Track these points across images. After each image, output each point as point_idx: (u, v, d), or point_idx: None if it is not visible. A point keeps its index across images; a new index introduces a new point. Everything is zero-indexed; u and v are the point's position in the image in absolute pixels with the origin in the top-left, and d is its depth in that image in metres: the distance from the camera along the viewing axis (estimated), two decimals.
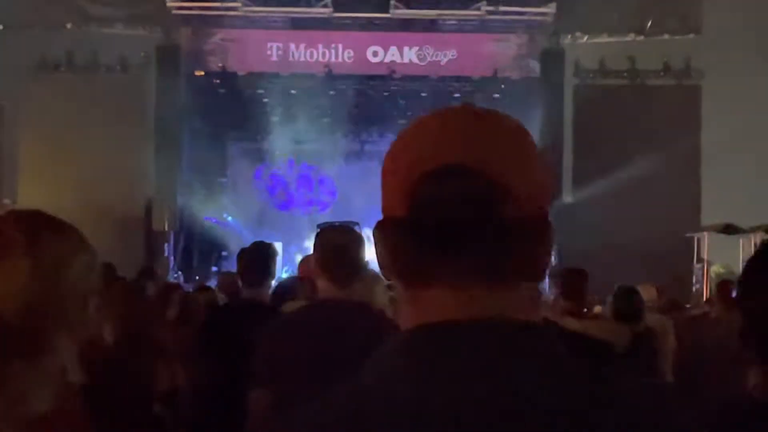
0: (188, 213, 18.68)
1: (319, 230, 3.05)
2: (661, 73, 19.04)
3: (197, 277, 17.31)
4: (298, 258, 9.71)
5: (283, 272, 14.19)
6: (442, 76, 19.04)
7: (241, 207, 20.68)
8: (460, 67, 18.87)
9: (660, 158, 17.06)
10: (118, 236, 15.36)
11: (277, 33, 18.92)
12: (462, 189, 0.86)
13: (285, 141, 19.85)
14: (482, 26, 18.64)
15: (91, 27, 18.59)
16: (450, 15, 18.50)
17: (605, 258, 13.79)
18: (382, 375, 0.87)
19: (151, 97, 18.40)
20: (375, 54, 18.78)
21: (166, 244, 18.16)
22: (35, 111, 18.20)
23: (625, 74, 19.05)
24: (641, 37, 18.86)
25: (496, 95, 18.74)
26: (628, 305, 5.03)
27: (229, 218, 20.36)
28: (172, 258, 18.26)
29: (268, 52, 18.85)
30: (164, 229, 18.17)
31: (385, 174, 0.93)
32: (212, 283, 11.29)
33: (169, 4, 18.28)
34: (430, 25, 18.77)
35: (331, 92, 18.96)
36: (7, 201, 16.44)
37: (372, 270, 3.14)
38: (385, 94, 19.59)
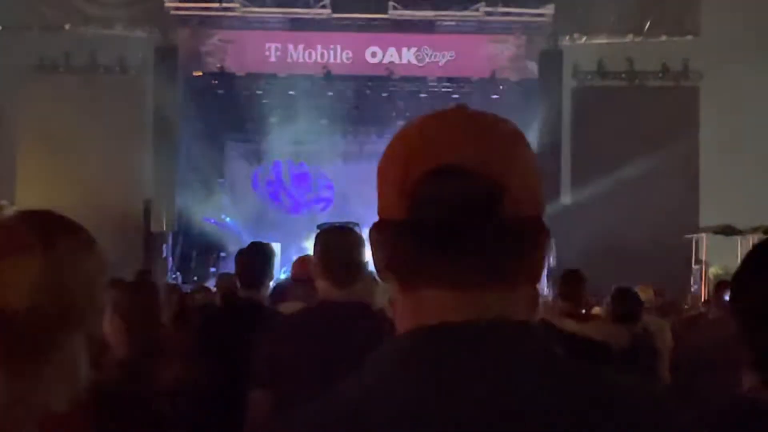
0: (186, 214, 18.66)
1: (319, 231, 3.05)
2: (660, 75, 19.05)
3: (195, 278, 17.34)
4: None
5: (281, 273, 14.17)
6: (440, 77, 19.05)
7: (239, 208, 20.67)
8: (458, 68, 18.87)
9: (658, 159, 17.07)
10: (116, 237, 15.32)
11: (275, 34, 18.92)
12: (462, 189, 0.87)
13: (283, 142, 19.84)
14: (480, 27, 18.65)
15: (90, 28, 18.58)
16: (448, 16, 18.51)
17: (603, 259, 13.80)
18: (382, 375, 0.87)
19: (149, 98, 18.39)
20: (373, 55, 18.78)
21: (164, 245, 18.15)
22: (33, 112, 18.18)
23: (624, 75, 19.06)
24: (639, 39, 18.87)
25: (495, 96, 18.76)
26: (626, 306, 5.03)
27: (228, 219, 20.35)
28: (170, 259, 18.25)
29: (267, 53, 18.85)
30: (162, 230, 18.17)
31: (382, 175, 0.93)
32: (211, 284, 11.30)
33: (168, 4, 18.28)
34: (429, 26, 18.77)
35: (330, 93, 18.96)
36: (4, 202, 16.42)
37: (372, 271, 3.13)
38: (384, 94, 19.60)
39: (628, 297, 5.12)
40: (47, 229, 1.22)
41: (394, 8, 18.14)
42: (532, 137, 16.45)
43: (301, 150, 20.77)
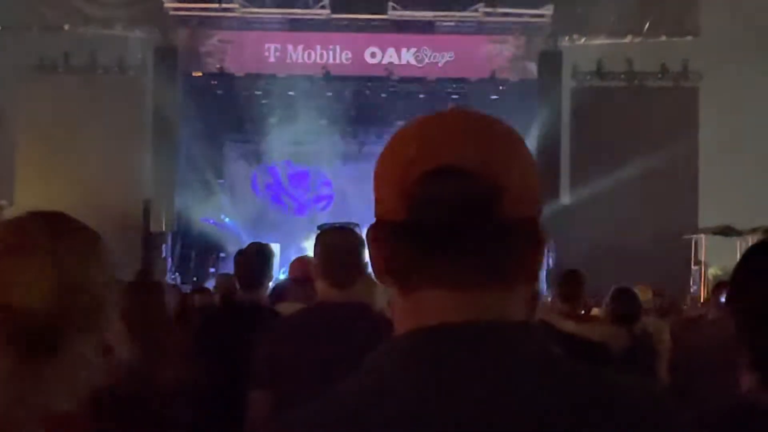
0: (186, 214, 18.67)
1: (319, 232, 3.06)
2: (659, 75, 19.05)
3: (195, 279, 17.33)
4: None
5: (280, 274, 14.17)
6: (439, 77, 19.06)
7: (238, 208, 20.66)
8: (457, 68, 18.88)
9: (657, 160, 17.08)
10: (115, 237, 15.25)
11: (274, 34, 18.92)
12: (462, 190, 0.87)
13: (283, 142, 19.84)
14: (480, 28, 18.65)
15: (89, 28, 18.58)
16: (447, 16, 18.52)
17: (603, 260, 13.79)
18: (382, 376, 0.87)
19: (148, 99, 18.40)
20: (373, 55, 18.79)
21: (163, 246, 18.14)
22: (33, 112, 18.18)
23: (623, 76, 19.07)
24: (639, 39, 18.87)
25: (494, 97, 18.75)
26: (625, 307, 5.03)
27: (227, 219, 20.34)
28: (169, 259, 18.24)
29: (266, 54, 18.86)
30: (162, 230, 18.17)
31: (380, 176, 0.93)
32: (210, 284, 11.29)
33: (167, 5, 18.29)
34: (428, 27, 18.78)
35: (329, 94, 18.96)
36: (4, 202, 16.40)
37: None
38: (383, 95, 19.60)
39: (627, 298, 5.11)
40: (55, 229, 1.23)
41: (394, 9, 18.14)
42: (532, 138, 16.46)
43: (300, 150, 20.76)
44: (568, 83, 18.88)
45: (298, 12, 18.43)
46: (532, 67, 18.69)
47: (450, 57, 18.80)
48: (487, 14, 18.12)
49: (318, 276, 2.85)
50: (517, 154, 0.92)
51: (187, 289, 10.53)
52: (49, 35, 18.53)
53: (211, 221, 19.58)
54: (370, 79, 19.11)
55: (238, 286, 4.27)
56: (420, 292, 0.89)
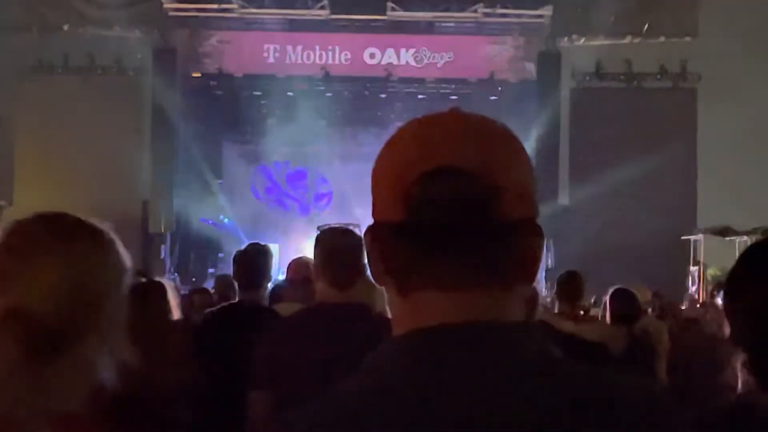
0: (185, 215, 18.66)
1: (318, 232, 3.06)
2: (658, 76, 19.07)
3: (194, 279, 17.31)
4: None
5: (279, 274, 14.17)
6: (438, 78, 19.07)
7: (237, 208, 20.66)
8: (456, 69, 18.88)
9: (656, 161, 17.08)
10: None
11: (273, 35, 18.92)
12: (460, 190, 0.87)
13: (282, 143, 19.84)
14: (479, 29, 18.66)
15: (88, 29, 18.58)
16: (447, 17, 18.52)
17: (602, 260, 13.80)
18: (381, 376, 0.87)
19: (147, 99, 18.40)
20: (372, 56, 18.79)
21: (162, 246, 18.14)
22: (31, 113, 18.19)
23: (622, 77, 19.08)
24: (638, 40, 18.89)
25: (493, 97, 18.76)
26: (624, 307, 5.03)
27: (226, 220, 20.34)
28: (168, 260, 18.23)
29: (265, 54, 18.86)
30: (161, 230, 18.16)
31: (378, 177, 0.93)
32: (209, 284, 11.28)
33: (166, 6, 18.29)
34: (427, 28, 18.79)
35: (328, 94, 18.97)
36: (3, 202, 16.38)
37: None
38: (382, 96, 19.61)
39: (626, 298, 5.11)
40: (67, 230, 1.23)
41: (393, 9, 18.14)
42: (531, 138, 16.46)
43: (299, 151, 20.77)
44: (567, 84, 18.89)
45: (297, 12, 18.43)
46: (531, 68, 18.70)
47: (449, 57, 18.81)
48: (486, 15, 18.13)
49: (318, 277, 2.85)
50: (516, 154, 0.92)
51: (186, 289, 10.52)
52: (48, 36, 18.54)
53: (210, 222, 19.58)
54: (369, 79, 19.12)
55: (237, 286, 4.27)
56: (419, 292, 0.89)
